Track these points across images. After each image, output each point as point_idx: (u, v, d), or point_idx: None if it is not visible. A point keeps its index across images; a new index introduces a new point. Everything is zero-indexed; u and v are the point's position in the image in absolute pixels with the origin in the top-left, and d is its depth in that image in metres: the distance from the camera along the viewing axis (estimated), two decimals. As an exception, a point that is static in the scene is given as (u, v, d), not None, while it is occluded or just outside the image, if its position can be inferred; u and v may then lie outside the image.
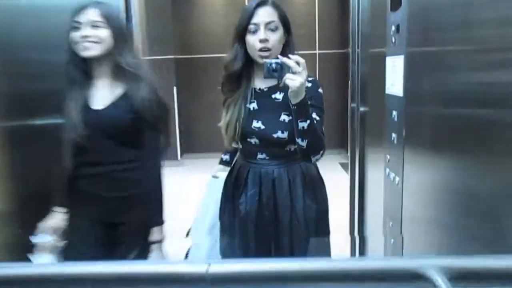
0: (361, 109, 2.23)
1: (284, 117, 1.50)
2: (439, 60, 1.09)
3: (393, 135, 1.43)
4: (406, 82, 1.31)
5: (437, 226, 1.13)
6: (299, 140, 1.43)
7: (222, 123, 1.61)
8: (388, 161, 1.50)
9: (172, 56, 5.60)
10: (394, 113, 1.41)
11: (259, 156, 1.57)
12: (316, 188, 1.64)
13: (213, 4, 6.02)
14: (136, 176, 1.62)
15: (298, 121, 1.39)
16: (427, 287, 0.51)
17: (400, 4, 1.32)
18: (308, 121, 1.39)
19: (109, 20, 1.55)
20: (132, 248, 1.60)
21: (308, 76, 1.43)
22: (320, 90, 1.53)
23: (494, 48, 0.83)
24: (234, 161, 1.75)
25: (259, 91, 1.57)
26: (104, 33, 1.54)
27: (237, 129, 1.55)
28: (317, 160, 1.51)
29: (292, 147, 1.52)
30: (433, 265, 0.52)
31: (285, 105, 1.46)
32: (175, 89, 5.61)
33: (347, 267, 0.55)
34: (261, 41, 1.47)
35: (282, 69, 1.35)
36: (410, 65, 1.29)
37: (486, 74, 0.86)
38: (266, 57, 1.46)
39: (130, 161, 1.62)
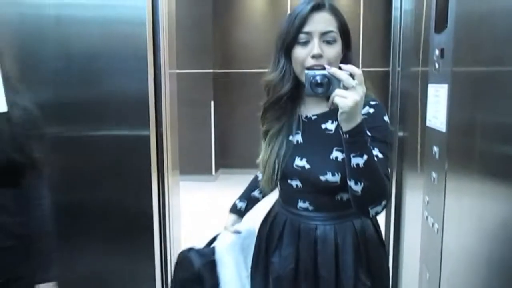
0: (400, 134, 2.04)
1: (336, 154, 1.15)
2: (491, 91, 0.91)
3: (433, 174, 1.24)
4: (450, 115, 1.12)
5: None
6: (351, 183, 1.06)
7: (260, 159, 1.30)
8: (427, 203, 1.31)
9: (211, 70, 5.57)
10: (435, 149, 1.22)
11: (301, 204, 1.24)
12: (373, 258, 1.24)
13: (254, 18, 5.96)
14: (14, 222, 1.31)
15: (351, 155, 1.03)
16: None
17: (446, 25, 1.15)
18: (365, 157, 1.02)
19: None
20: None
21: (371, 100, 1.15)
22: (386, 118, 1.17)
23: None
24: (272, 205, 1.41)
25: (305, 119, 1.24)
26: None
27: (276, 169, 1.24)
28: (377, 213, 1.12)
29: (345, 197, 1.18)
30: None
31: (339, 138, 1.07)
32: (212, 103, 5.57)
33: None
34: (313, 56, 1.12)
35: (329, 83, 1.00)
36: (455, 96, 1.10)
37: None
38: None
39: (5, 205, 1.30)
